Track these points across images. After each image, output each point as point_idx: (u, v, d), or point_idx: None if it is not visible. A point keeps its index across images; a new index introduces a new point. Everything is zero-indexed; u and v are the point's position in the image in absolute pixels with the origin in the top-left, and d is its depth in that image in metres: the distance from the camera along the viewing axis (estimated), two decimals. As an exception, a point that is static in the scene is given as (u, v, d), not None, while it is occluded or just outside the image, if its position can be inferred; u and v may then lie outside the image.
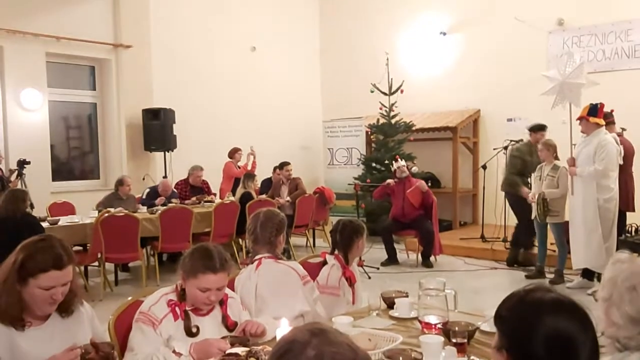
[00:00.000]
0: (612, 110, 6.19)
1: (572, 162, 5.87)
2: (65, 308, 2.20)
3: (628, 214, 6.15)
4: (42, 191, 7.69)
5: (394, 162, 7.90)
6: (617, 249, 5.40)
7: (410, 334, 2.46)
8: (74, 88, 8.94)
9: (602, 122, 5.73)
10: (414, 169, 8.08)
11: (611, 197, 5.69)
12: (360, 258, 4.28)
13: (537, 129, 7.07)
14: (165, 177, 8.57)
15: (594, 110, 5.63)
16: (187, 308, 2.38)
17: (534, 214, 6.37)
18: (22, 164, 7.40)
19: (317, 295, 3.08)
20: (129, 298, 2.64)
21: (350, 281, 3.30)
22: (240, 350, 2.18)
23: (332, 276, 3.28)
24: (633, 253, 1.78)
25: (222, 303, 2.49)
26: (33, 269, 2.07)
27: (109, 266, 6.77)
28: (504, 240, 7.67)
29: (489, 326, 2.44)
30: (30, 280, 2.07)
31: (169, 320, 2.33)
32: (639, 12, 8.32)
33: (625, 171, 6.02)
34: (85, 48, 8.52)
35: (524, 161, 7.04)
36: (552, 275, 6.38)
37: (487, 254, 7.72)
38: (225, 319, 2.46)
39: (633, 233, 5.61)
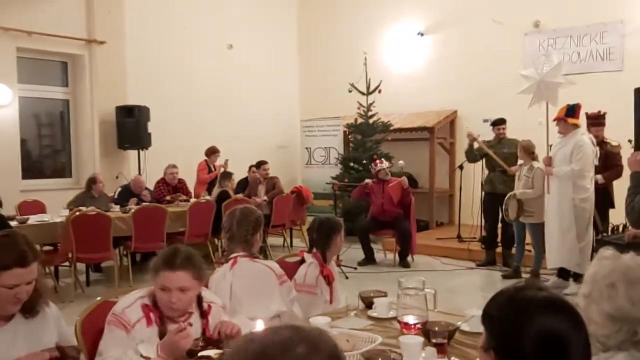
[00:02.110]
0: (604, 113, 6.26)
1: (549, 161, 5.89)
2: (30, 308, 2.10)
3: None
4: (11, 189, 7.45)
5: (373, 164, 7.88)
6: (594, 248, 5.44)
7: (389, 334, 2.42)
8: (46, 84, 8.71)
9: (580, 123, 5.77)
10: (401, 163, 8.14)
11: (587, 197, 5.72)
12: (338, 257, 4.23)
13: (493, 123, 7.29)
14: (139, 174, 8.41)
15: (572, 111, 5.66)
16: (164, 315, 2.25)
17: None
18: (-11, 161, 7.20)
19: (295, 296, 3.02)
20: (98, 298, 2.54)
21: (328, 279, 3.24)
22: (213, 352, 2.11)
23: (310, 274, 3.21)
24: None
25: (204, 315, 2.35)
26: None
27: (81, 266, 6.61)
28: (480, 241, 7.66)
29: (469, 326, 2.41)
30: None
31: (142, 325, 2.21)
32: (614, 14, 8.43)
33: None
34: (58, 43, 8.30)
35: (487, 156, 7.15)
36: (528, 275, 6.41)
37: (463, 254, 7.74)
38: (204, 332, 2.31)
39: (609, 232, 5.65)
